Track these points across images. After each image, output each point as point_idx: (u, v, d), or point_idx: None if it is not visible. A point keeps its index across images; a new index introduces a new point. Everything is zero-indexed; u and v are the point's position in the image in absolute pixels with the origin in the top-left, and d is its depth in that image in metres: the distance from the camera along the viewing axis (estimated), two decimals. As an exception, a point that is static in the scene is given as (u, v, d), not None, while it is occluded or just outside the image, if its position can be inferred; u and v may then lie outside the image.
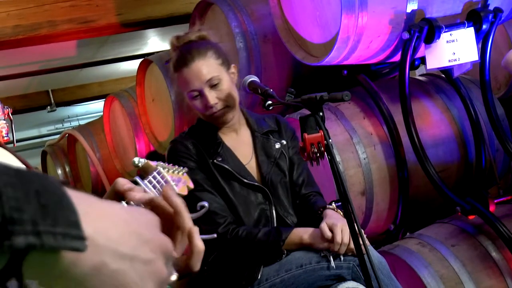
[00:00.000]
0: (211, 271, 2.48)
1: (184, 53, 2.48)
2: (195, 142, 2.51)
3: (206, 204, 1.16)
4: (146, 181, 1.13)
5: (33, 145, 12.05)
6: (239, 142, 2.58)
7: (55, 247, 0.62)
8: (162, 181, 1.18)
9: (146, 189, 1.09)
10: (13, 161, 0.90)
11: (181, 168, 1.31)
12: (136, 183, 1.09)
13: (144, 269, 0.73)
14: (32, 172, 0.65)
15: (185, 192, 1.24)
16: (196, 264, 0.99)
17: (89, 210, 0.68)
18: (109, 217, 0.71)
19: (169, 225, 0.96)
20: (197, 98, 2.46)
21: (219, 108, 2.45)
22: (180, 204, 0.99)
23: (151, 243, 0.76)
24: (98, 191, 6.93)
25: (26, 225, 0.60)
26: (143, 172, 1.19)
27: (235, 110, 2.50)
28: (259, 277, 2.37)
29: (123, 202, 1.02)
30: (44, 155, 8.27)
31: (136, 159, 1.21)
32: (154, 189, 1.14)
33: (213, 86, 2.44)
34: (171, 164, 1.29)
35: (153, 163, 1.22)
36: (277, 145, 2.58)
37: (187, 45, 2.51)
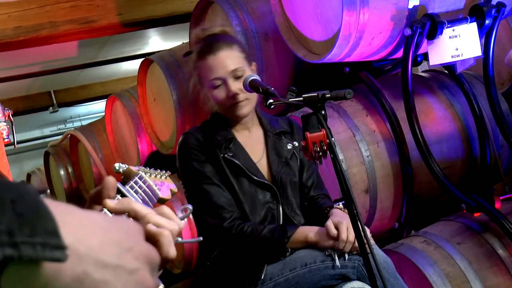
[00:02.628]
0: (214, 267, 2.47)
1: (210, 42, 2.51)
2: (207, 136, 2.51)
3: (190, 206, 1.15)
4: (128, 187, 1.11)
5: (36, 146, 12.07)
6: (251, 140, 2.58)
7: (34, 258, 0.59)
8: (144, 186, 1.16)
9: (128, 195, 1.06)
10: None
11: (164, 171, 1.29)
12: (118, 189, 1.07)
13: (128, 278, 0.71)
14: (6, 181, 0.62)
15: (167, 196, 1.22)
16: (168, 249, 0.92)
17: (68, 218, 0.65)
18: (89, 226, 0.69)
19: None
20: (219, 87, 2.47)
21: (241, 99, 2.45)
22: (125, 204, 0.96)
23: (134, 251, 0.73)
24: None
25: (2, 236, 0.57)
26: (125, 178, 1.17)
27: (253, 105, 2.53)
28: (262, 277, 2.36)
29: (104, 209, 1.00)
30: (46, 156, 8.27)
31: (116, 165, 1.19)
32: (137, 194, 1.12)
33: (237, 77, 2.46)
34: (153, 169, 1.27)
35: (134, 168, 1.20)
36: (289, 146, 2.59)
37: (213, 36, 2.55)
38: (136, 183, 1.15)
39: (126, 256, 0.71)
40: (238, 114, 2.50)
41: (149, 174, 1.22)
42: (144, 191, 1.15)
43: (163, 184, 1.24)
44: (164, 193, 1.22)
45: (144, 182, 1.17)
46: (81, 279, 0.65)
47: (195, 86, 2.60)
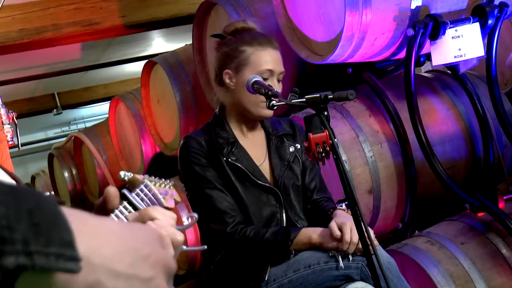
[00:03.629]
0: (218, 270, 2.47)
1: (271, 40, 2.55)
2: (209, 139, 2.50)
3: (195, 215, 1.16)
4: (134, 194, 1.13)
5: (40, 148, 12.10)
6: (254, 143, 2.57)
7: (47, 268, 0.60)
8: (150, 194, 1.18)
9: (134, 202, 1.08)
10: (3, 176, 0.88)
11: (168, 181, 1.30)
12: (124, 196, 1.08)
13: (143, 287, 0.71)
14: (26, 190, 0.63)
15: (171, 205, 1.24)
16: None
17: (83, 227, 0.66)
18: (104, 234, 0.69)
19: None
20: (265, 80, 2.44)
21: None
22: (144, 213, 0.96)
23: (151, 259, 0.74)
24: (105, 193, 6.93)
25: (17, 244, 0.58)
26: (130, 186, 1.18)
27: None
28: (266, 278, 2.36)
29: (112, 213, 1.01)
30: (50, 158, 8.29)
31: (122, 173, 1.20)
32: (142, 201, 1.14)
33: (279, 80, 2.50)
34: (157, 177, 1.28)
35: (139, 176, 1.21)
36: (291, 149, 2.58)
37: (264, 34, 2.57)
38: (141, 190, 1.16)
39: (141, 264, 0.72)
40: (263, 114, 2.49)
41: (154, 182, 1.23)
42: (149, 199, 1.16)
43: (167, 193, 1.25)
44: (169, 202, 1.24)
45: (150, 190, 1.18)
46: None
47: (216, 66, 2.56)
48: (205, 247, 1.19)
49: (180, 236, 0.99)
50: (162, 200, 1.20)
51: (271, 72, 2.46)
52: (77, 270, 0.62)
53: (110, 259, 0.68)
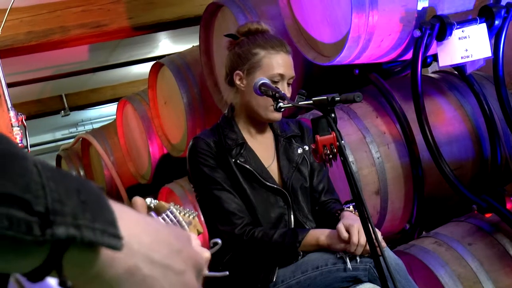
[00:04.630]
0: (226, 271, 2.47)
1: (283, 40, 2.56)
2: (217, 141, 2.50)
3: (219, 241, 1.18)
4: (160, 218, 1.15)
5: (48, 150, 12.13)
6: (262, 144, 2.58)
7: (93, 241, 0.63)
8: (175, 220, 1.20)
9: None
10: None
11: (192, 211, 1.32)
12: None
13: (175, 279, 0.73)
14: (72, 174, 0.66)
15: (195, 235, 1.26)
16: None
17: (124, 215, 0.69)
18: (142, 224, 0.72)
19: None
20: (276, 84, 2.45)
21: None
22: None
23: (183, 254, 0.76)
24: (113, 194, 6.96)
25: (67, 217, 0.61)
26: (156, 212, 1.21)
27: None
28: (274, 279, 2.37)
29: None
30: (58, 159, 8.31)
31: (148, 200, 1.22)
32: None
33: (289, 84, 2.51)
34: (182, 207, 1.30)
35: (165, 204, 1.24)
36: (299, 150, 2.58)
37: (278, 38, 2.59)
38: (167, 216, 1.19)
39: (175, 257, 0.74)
40: (272, 117, 2.49)
41: (178, 211, 1.25)
42: (174, 225, 1.18)
43: (191, 223, 1.27)
44: (192, 231, 1.26)
45: (175, 217, 1.21)
46: (132, 271, 0.68)
47: (234, 70, 2.54)
48: (227, 273, 1.21)
49: (207, 253, 1.02)
50: (186, 228, 1.23)
51: (282, 76, 2.46)
52: (119, 247, 0.65)
53: (148, 247, 0.71)
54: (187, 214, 1.29)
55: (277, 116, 2.47)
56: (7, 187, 0.58)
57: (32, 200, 0.59)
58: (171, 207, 1.23)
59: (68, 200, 0.62)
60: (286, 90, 2.45)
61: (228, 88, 2.59)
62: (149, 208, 1.22)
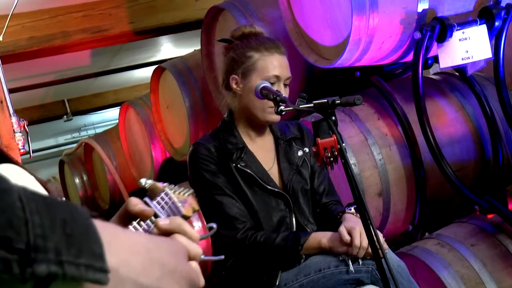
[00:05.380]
0: (229, 275, 2.48)
1: (277, 42, 2.55)
2: (218, 145, 2.50)
3: (214, 225, 1.18)
4: (155, 202, 1.15)
5: (51, 155, 12.14)
6: (262, 147, 2.58)
7: (77, 277, 0.62)
8: (170, 202, 1.19)
9: (156, 210, 1.10)
10: (37, 187, 0.91)
11: (187, 189, 1.32)
12: (146, 203, 1.11)
13: None
14: (61, 201, 0.65)
15: (190, 214, 1.26)
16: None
17: (114, 240, 0.69)
18: (133, 248, 0.72)
19: None
20: (272, 85, 2.44)
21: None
22: (176, 224, 0.99)
23: (176, 273, 0.76)
24: (116, 199, 6.97)
25: (49, 253, 0.60)
26: (151, 193, 1.20)
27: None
28: (277, 283, 2.37)
29: (134, 223, 1.03)
30: (61, 164, 8.33)
31: (142, 180, 1.22)
32: (163, 210, 1.15)
33: (286, 85, 2.50)
34: (177, 186, 1.30)
35: (160, 184, 1.23)
36: (300, 153, 2.58)
37: (271, 39, 2.58)
38: (162, 199, 1.18)
39: (167, 278, 0.74)
40: (270, 119, 2.48)
41: (173, 190, 1.25)
42: (169, 207, 1.18)
43: (186, 201, 1.27)
44: (187, 211, 1.25)
45: (170, 199, 1.20)
46: None
47: (223, 71, 2.56)
48: (222, 257, 1.20)
49: (199, 249, 1.02)
50: (181, 208, 1.22)
51: (277, 77, 2.46)
52: (105, 281, 0.64)
53: (138, 272, 0.71)
54: (182, 193, 1.28)
55: (275, 118, 2.47)
56: None
57: (13, 237, 0.58)
58: (166, 188, 1.23)
59: (52, 234, 0.60)
60: (283, 91, 2.45)
61: (225, 92, 2.59)
62: (143, 188, 1.22)
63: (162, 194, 1.19)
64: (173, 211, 1.20)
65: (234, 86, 2.52)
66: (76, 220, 0.64)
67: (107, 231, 0.68)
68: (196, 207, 1.30)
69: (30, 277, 0.59)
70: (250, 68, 2.48)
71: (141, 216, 1.04)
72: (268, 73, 2.45)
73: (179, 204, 1.22)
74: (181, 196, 1.26)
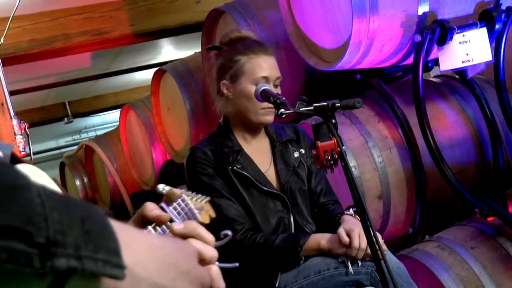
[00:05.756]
0: (228, 277, 2.48)
1: (263, 44, 2.58)
2: (214, 149, 2.52)
3: (229, 232, 1.18)
4: (171, 208, 1.15)
5: (51, 157, 12.14)
6: (258, 150, 2.59)
7: (95, 272, 0.63)
8: (186, 209, 1.19)
9: (172, 216, 1.10)
10: (52, 185, 0.92)
11: (204, 196, 1.32)
12: (162, 209, 1.11)
13: None
14: (79, 200, 0.67)
15: (207, 221, 1.26)
16: (220, 284, 1.00)
17: (130, 241, 0.70)
18: (149, 249, 0.73)
19: None
20: None
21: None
22: (192, 228, 1.00)
23: (189, 275, 0.78)
24: (116, 201, 6.98)
25: (68, 248, 0.61)
26: (167, 199, 1.20)
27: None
28: (277, 285, 2.37)
29: (149, 227, 1.03)
30: (62, 166, 8.34)
31: (160, 186, 1.22)
32: (179, 215, 1.15)
33: (276, 86, 2.52)
34: (194, 193, 1.30)
35: (177, 191, 1.23)
36: (296, 154, 2.60)
37: (257, 41, 2.60)
38: (179, 205, 1.18)
39: (181, 279, 0.76)
40: (264, 120, 2.50)
41: (190, 197, 1.25)
42: (186, 214, 1.18)
43: (203, 208, 1.27)
44: (204, 218, 1.26)
45: (186, 205, 1.20)
46: None
47: (214, 78, 2.58)
48: (237, 264, 1.20)
49: (215, 252, 1.03)
50: (198, 215, 1.22)
51: (266, 79, 2.48)
52: (122, 277, 0.66)
53: (153, 273, 0.72)
54: (199, 200, 1.29)
55: (269, 119, 2.49)
56: (8, 220, 0.58)
57: (34, 232, 0.59)
58: (183, 194, 1.22)
59: (71, 231, 0.62)
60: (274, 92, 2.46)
61: (218, 98, 2.61)
62: (161, 195, 1.22)
63: (179, 200, 1.19)
64: (189, 217, 1.20)
65: (225, 91, 2.56)
66: (93, 218, 0.66)
67: (123, 232, 0.69)
68: (213, 214, 1.30)
69: (50, 271, 0.60)
70: (238, 72, 2.51)
71: (156, 221, 1.05)
72: (256, 75, 2.48)
73: (196, 211, 1.22)
74: (198, 203, 1.26)
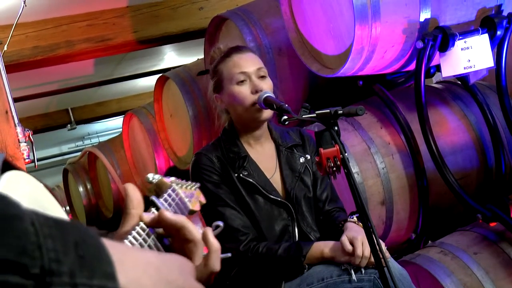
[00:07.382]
0: (233, 286, 2.48)
1: (236, 46, 2.59)
2: (220, 155, 2.51)
3: (221, 223, 1.18)
4: (162, 200, 1.15)
5: (55, 163, 12.17)
6: (264, 155, 2.58)
7: None
8: (177, 199, 1.19)
9: (162, 208, 1.10)
10: (44, 193, 0.92)
11: (194, 183, 1.32)
12: (153, 202, 1.11)
13: None
14: (71, 223, 0.67)
15: (197, 208, 1.26)
16: (216, 263, 1.01)
17: (124, 258, 0.71)
18: (143, 266, 0.74)
19: (182, 241, 0.98)
20: (243, 83, 2.47)
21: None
22: (181, 219, 1.00)
23: None
24: (120, 207, 6.98)
25: (64, 276, 0.61)
26: (158, 189, 1.20)
27: (272, 113, 2.51)
28: (281, 292, 2.37)
29: (137, 227, 1.03)
30: (65, 173, 8.35)
31: (150, 176, 1.22)
32: (170, 207, 1.15)
33: (261, 77, 2.49)
34: (184, 180, 1.30)
35: (167, 180, 1.23)
36: (302, 159, 2.59)
37: (235, 46, 2.62)
38: (169, 195, 1.18)
39: None
40: (258, 116, 2.48)
41: (180, 185, 1.24)
42: (176, 204, 1.18)
43: (193, 195, 1.26)
44: (194, 205, 1.25)
45: (177, 195, 1.20)
46: None
47: (211, 97, 2.61)
48: (229, 254, 1.20)
49: (217, 243, 1.04)
50: (188, 204, 1.22)
51: (244, 73, 2.48)
52: None
53: None
54: (189, 186, 1.28)
55: (265, 114, 2.47)
56: (2, 252, 0.58)
57: (28, 263, 0.59)
58: (173, 184, 1.22)
59: (65, 258, 0.62)
60: (262, 84, 2.46)
61: (221, 113, 2.64)
62: (150, 184, 1.22)
63: (169, 191, 1.19)
64: (180, 207, 1.20)
65: (219, 103, 2.58)
66: (87, 241, 0.66)
67: (117, 250, 0.70)
68: (203, 200, 1.30)
69: None
70: (220, 79, 2.54)
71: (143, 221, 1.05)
72: (233, 74, 2.49)
73: (186, 199, 1.22)
74: (188, 190, 1.26)
